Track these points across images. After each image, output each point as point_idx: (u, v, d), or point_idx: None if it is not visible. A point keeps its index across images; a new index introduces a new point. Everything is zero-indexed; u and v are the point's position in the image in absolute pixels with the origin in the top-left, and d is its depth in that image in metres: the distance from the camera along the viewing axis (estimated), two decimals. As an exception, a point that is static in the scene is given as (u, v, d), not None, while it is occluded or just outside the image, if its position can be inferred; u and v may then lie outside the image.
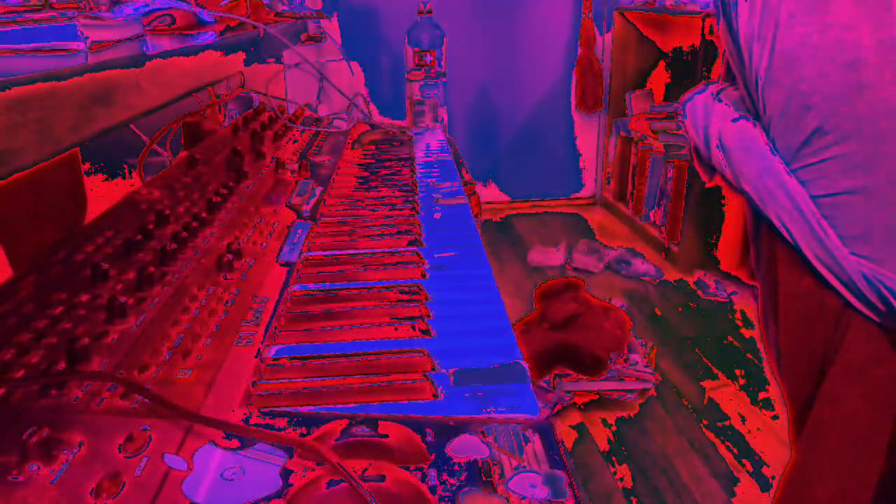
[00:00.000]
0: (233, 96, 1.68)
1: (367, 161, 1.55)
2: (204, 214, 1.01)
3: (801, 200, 0.99)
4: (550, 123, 3.96)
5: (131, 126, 1.20)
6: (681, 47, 3.52)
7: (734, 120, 1.07)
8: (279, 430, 0.57)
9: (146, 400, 0.59)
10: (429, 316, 0.79)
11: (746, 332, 2.62)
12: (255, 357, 0.69)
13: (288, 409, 0.62)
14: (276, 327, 0.77)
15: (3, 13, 0.70)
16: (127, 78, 0.64)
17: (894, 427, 1.02)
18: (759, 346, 2.44)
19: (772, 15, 0.96)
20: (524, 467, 0.52)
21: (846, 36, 0.92)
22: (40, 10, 0.70)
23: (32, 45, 0.67)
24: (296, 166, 1.35)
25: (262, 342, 0.72)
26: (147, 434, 0.55)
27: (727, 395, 2.24)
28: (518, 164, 4.02)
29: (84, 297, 0.75)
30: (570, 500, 0.49)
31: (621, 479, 1.87)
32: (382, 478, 0.51)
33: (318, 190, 1.26)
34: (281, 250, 0.98)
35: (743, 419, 2.10)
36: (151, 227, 0.94)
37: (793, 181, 1.00)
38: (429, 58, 2.00)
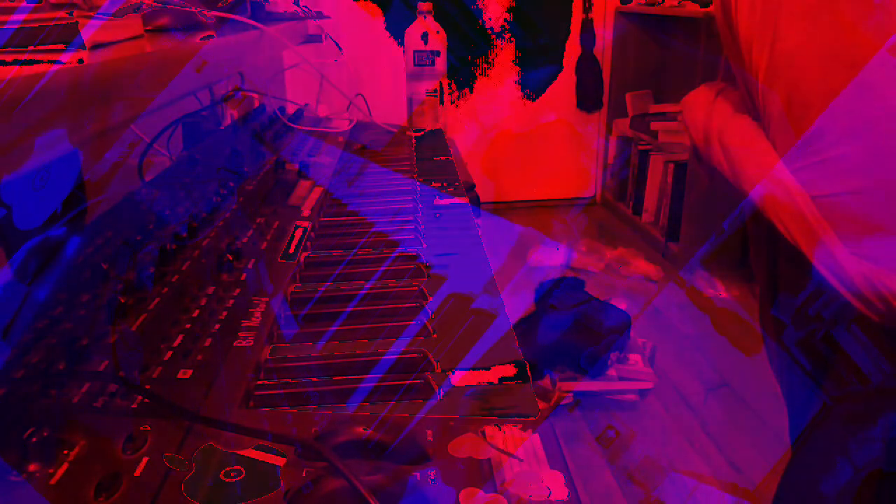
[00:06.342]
0: (233, 96, 1.67)
1: (368, 161, 1.55)
2: (204, 214, 1.01)
3: (801, 200, 0.99)
4: (550, 123, 3.95)
5: (132, 126, 1.20)
6: (681, 47, 3.51)
7: (734, 120, 1.06)
8: (279, 430, 0.57)
9: (146, 400, 0.59)
10: (430, 317, 0.79)
11: (746, 332, 2.61)
12: (256, 357, 0.69)
13: (288, 410, 0.62)
14: (276, 327, 0.77)
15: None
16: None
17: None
18: (759, 346, 2.44)
19: (772, 15, 0.96)
20: (524, 467, 0.52)
21: (847, 36, 0.91)
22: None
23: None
24: (296, 166, 1.35)
25: (262, 342, 0.72)
26: (147, 434, 0.55)
27: (727, 395, 2.24)
28: (518, 163, 4.02)
29: (84, 297, 0.75)
30: (569, 499, 0.49)
31: (621, 479, 1.87)
32: (383, 478, 0.51)
33: (318, 190, 1.26)
34: (280, 251, 0.98)
35: (742, 419, 2.10)
36: (151, 227, 0.94)
37: (793, 181, 1.00)
38: (429, 57, 2.00)
